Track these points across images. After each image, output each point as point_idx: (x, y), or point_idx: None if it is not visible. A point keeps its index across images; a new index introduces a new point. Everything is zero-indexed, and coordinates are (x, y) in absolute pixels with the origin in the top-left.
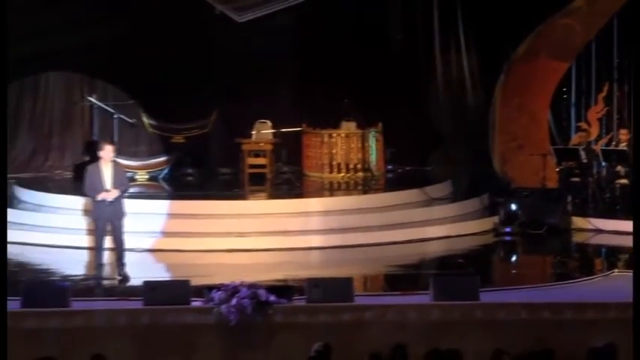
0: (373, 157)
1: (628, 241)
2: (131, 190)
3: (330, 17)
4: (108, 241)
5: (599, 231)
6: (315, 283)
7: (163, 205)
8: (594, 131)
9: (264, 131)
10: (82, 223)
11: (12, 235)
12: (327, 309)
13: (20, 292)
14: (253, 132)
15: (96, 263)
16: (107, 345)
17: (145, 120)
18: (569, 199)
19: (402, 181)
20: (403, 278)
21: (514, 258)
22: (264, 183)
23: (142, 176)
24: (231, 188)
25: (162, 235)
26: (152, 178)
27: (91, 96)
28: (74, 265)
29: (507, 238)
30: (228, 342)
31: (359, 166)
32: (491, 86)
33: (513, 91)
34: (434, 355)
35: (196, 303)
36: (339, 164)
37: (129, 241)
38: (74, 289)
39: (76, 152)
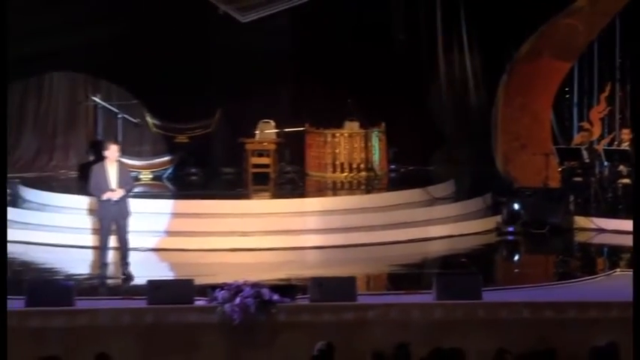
0: (376, 156)
1: (630, 241)
2: (135, 189)
3: (333, 17)
4: (112, 241)
5: (602, 230)
6: (318, 282)
7: (167, 205)
8: (596, 131)
9: (267, 131)
10: (86, 222)
11: (16, 234)
12: (330, 308)
13: (25, 291)
14: (257, 132)
15: (100, 262)
16: (111, 344)
17: (149, 120)
18: (572, 198)
19: (405, 181)
20: (406, 277)
21: (517, 257)
22: (268, 182)
23: (145, 176)
24: (234, 188)
25: (165, 234)
26: (156, 178)
27: (95, 96)
28: (78, 264)
29: (510, 237)
30: (232, 341)
31: (362, 165)
32: (493, 86)
33: (516, 90)
34: (436, 354)
35: (200, 302)
36: (342, 164)
37: (133, 241)
38: (78, 288)
39: (80, 152)
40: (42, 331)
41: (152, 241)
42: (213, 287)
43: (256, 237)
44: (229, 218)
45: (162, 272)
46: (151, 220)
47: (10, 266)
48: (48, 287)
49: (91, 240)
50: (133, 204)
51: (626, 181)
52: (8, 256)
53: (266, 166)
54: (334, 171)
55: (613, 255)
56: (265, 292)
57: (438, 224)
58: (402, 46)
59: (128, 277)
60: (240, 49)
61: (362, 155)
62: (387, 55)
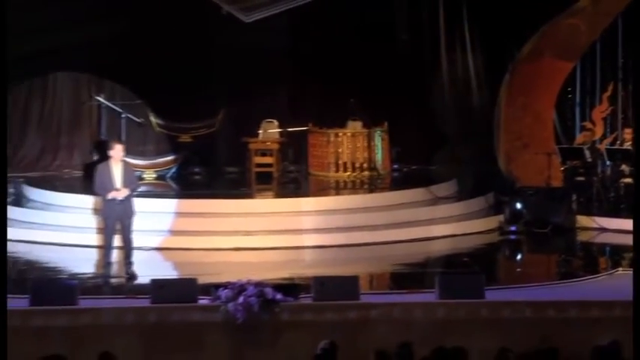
0: (379, 156)
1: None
2: (140, 189)
3: (337, 17)
4: (116, 240)
5: (604, 230)
6: (321, 281)
7: (171, 204)
8: (599, 130)
9: (270, 130)
10: (90, 221)
11: (20, 233)
12: (334, 307)
13: (28, 290)
14: (260, 131)
15: (104, 261)
16: (115, 343)
17: (153, 119)
18: (574, 198)
19: (408, 180)
20: (409, 276)
21: (519, 256)
22: (271, 182)
23: (149, 175)
24: (238, 187)
25: (169, 233)
26: (160, 177)
27: (99, 96)
28: (82, 263)
29: (512, 236)
30: (235, 340)
31: (365, 165)
32: (496, 86)
33: (518, 90)
34: (439, 353)
35: (203, 301)
36: (345, 163)
37: (136, 240)
38: (82, 287)
39: (84, 151)
40: (45, 330)
41: (156, 240)
42: (217, 286)
43: (259, 236)
44: (233, 217)
45: (166, 271)
46: (155, 219)
47: (14, 265)
48: (52, 286)
49: (94, 239)
50: (137, 203)
51: (629, 180)
52: (12, 255)
53: (269, 165)
54: (337, 170)
55: (615, 254)
56: (268, 291)
57: (440, 223)
58: (405, 45)
59: (132, 276)
60: (243, 48)
61: (365, 155)
62: (389, 54)
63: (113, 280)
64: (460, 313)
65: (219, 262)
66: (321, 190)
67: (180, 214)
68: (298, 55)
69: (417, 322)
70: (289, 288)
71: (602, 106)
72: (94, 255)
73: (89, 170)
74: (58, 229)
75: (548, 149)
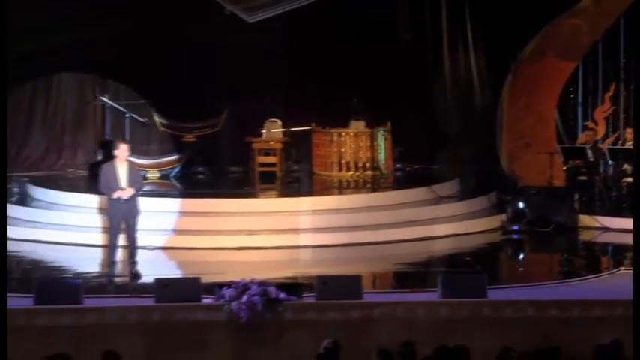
0: (382, 155)
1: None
2: (144, 188)
3: (340, 17)
4: (121, 239)
5: (606, 229)
6: (324, 280)
7: (174, 203)
8: (601, 130)
9: (274, 130)
10: (94, 220)
11: (25, 232)
12: (337, 306)
13: (33, 289)
14: (263, 131)
15: (108, 261)
16: (119, 341)
17: (157, 119)
18: (576, 197)
19: (411, 180)
20: (411, 276)
21: (521, 256)
22: (274, 181)
23: (153, 175)
24: (241, 186)
25: (173, 232)
26: (163, 177)
27: (103, 96)
28: (86, 262)
29: (515, 236)
30: (239, 339)
31: (368, 164)
32: (498, 86)
33: (521, 90)
34: (442, 352)
35: (207, 300)
36: (348, 163)
37: (141, 239)
38: (86, 287)
39: (89, 151)
40: (50, 328)
41: (160, 240)
42: (221, 285)
43: (263, 235)
44: (236, 217)
45: (170, 270)
46: (159, 218)
47: (19, 264)
48: (56, 285)
49: (98, 238)
50: (141, 203)
51: (631, 179)
52: (17, 254)
53: (272, 165)
54: (340, 170)
55: (617, 253)
56: (272, 290)
57: (443, 223)
58: (408, 45)
59: (136, 276)
60: (246, 48)
61: (368, 154)
62: (392, 54)
63: (117, 279)
64: (463, 312)
65: (222, 262)
66: (325, 189)
67: (183, 214)
68: (301, 55)
69: (419, 321)
70: (292, 287)
71: (605, 106)
72: (98, 254)
73: (94, 170)
74: (63, 228)
75: (550, 149)
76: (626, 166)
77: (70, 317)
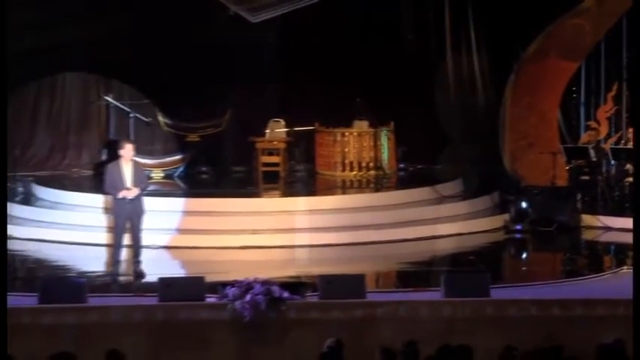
0: (385, 155)
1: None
2: (149, 188)
3: (343, 17)
4: (125, 239)
5: (609, 228)
6: (327, 279)
7: (178, 203)
8: (603, 130)
9: (277, 130)
10: (98, 220)
11: (30, 231)
12: (340, 305)
13: (38, 288)
14: (267, 131)
15: (113, 260)
16: (123, 340)
17: (161, 119)
18: (579, 197)
19: (414, 179)
20: (415, 275)
21: (524, 255)
22: (278, 181)
23: (157, 174)
24: (245, 186)
25: (177, 232)
26: (167, 176)
27: (107, 95)
28: (91, 261)
29: (518, 235)
30: (242, 338)
31: (371, 164)
32: (501, 86)
33: (523, 90)
34: (445, 351)
35: (211, 299)
36: (351, 162)
37: (145, 238)
38: (90, 286)
39: (93, 151)
40: (54, 327)
41: (164, 239)
42: (224, 284)
43: (266, 235)
44: (240, 216)
45: (174, 270)
46: (163, 218)
47: (24, 263)
48: (61, 284)
49: (102, 237)
50: (145, 202)
51: None
52: (21, 253)
53: (276, 164)
54: (344, 170)
55: (620, 253)
56: (275, 289)
57: (446, 222)
58: (411, 45)
59: (140, 275)
60: (250, 48)
61: (371, 154)
62: (395, 54)
63: (121, 279)
64: (466, 311)
65: (226, 261)
66: (328, 189)
67: (187, 213)
68: (305, 55)
69: (422, 320)
70: (296, 286)
71: (607, 106)
72: (102, 253)
73: (99, 169)
74: (67, 227)
75: (553, 149)
76: (628, 166)
77: (74, 316)
